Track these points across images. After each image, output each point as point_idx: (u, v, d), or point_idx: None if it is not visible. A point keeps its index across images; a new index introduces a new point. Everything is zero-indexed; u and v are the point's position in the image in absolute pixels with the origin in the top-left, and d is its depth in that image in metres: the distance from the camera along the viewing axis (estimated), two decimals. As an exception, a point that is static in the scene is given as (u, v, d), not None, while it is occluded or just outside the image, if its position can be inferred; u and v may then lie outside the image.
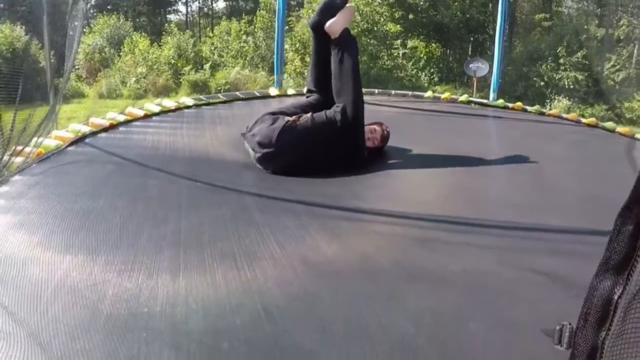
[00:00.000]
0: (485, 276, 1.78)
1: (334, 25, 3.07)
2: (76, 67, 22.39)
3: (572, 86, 20.08)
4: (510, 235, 2.19)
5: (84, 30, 25.08)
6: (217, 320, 1.44)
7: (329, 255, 1.87)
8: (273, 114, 3.05)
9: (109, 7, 31.41)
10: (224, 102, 4.81)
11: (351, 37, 3.18)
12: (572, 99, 19.77)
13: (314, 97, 3.31)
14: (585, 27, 22.38)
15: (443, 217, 2.33)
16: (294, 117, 2.98)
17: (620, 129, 4.48)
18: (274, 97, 5.09)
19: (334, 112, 2.99)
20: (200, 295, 1.56)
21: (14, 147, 2.84)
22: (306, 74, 19.68)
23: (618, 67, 21.18)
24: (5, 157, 2.75)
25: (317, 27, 3.16)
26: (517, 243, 2.11)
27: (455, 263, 1.86)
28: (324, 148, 2.93)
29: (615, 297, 1.05)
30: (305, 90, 5.33)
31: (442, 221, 2.29)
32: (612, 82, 21.02)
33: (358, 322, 1.47)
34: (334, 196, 2.55)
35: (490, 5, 21.67)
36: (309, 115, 3.00)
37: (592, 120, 4.83)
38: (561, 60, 20.33)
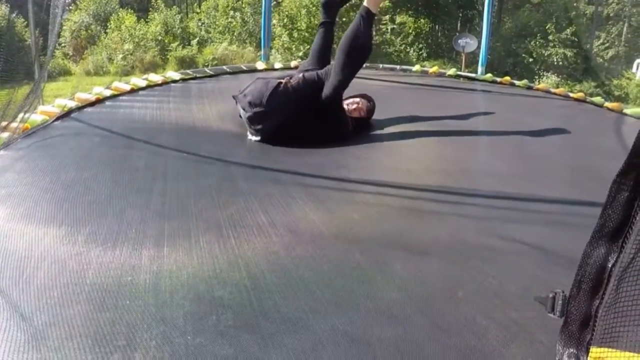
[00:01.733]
0: (472, 245, 1.77)
1: None
2: (62, 44, 22.13)
3: (560, 63, 20.03)
4: (498, 205, 2.19)
5: (70, 7, 24.76)
6: (202, 289, 1.44)
7: (315, 223, 1.86)
8: (265, 78, 3.08)
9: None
10: (211, 76, 4.78)
11: (372, 16, 3.19)
12: (560, 76, 19.73)
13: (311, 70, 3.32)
14: (575, 4, 22.28)
15: (429, 187, 2.33)
16: (286, 78, 3.01)
17: (608, 104, 4.48)
18: (260, 70, 5.05)
19: (327, 69, 3.04)
20: (185, 264, 1.56)
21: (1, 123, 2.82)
22: (293, 49, 19.61)
23: (607, 44, 21.16)
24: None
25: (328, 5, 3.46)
26: (505, 213, 2.12)
27: (442, 231, 1.86)
28: (313, 108, 2.94)
29: (609, 265, 1.04)
30: (292, 64, 5.32)
31: (428, 190, 2.30)
32: (601, 60, 21.01)
33: (344, 290, 1.47)
34: (320, 166, 2.54)
35: (480, -20, 21.52)
36: (300, 75, 3.02)
37: (580, 94, 4.82)
38: (550, 37, 20.23)
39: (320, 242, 1.73)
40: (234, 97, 3.09)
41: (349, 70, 3.04)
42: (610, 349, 1.04)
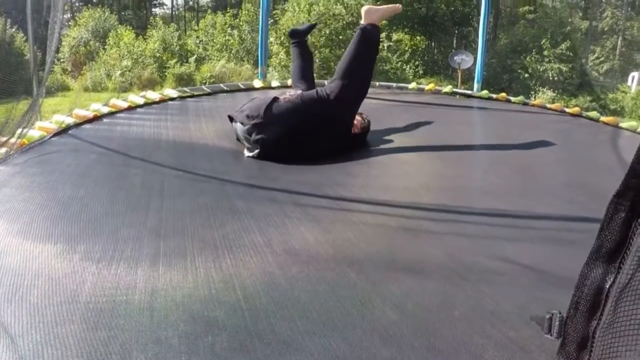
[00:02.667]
0: (468, 263, 1.77)
1: (372, 11, 3.26)
2: (61, 60, 22.20)
3: (556, 78, 20.15)
4: (494, 222, 2.19)
5: (69, 23, 24.89)
6: (197, 309, 1.43)
7: (311, 243, 1.86)
8: (261, 97, 3.18)
9: (94, 0, 31.16)
10: (208, 94, 4.79)
11: (377, 30, 3.30)
12: (556, 91, 19.83)
13: (302, 88, 3.37)
14: (570, 19, 22.47)
15: (425, 205, 2.33)
16: (282, 95, 3.07)
17: (604, 118, 4.50)
18: (257, 89, 5.07)
19: (329, 89, 3.07)
20: (180, 284, 1.55)
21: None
22: (291, 67, 19.70)
23: (602, 58, 21.29)
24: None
25: (295, 34, 3.75)
26: (501, 230, 2.12)
27: (437, 250, 1.86)
28: (311, 124, 2.97)
29: (607, 286, 1.04)
30: (289, 82, 5.34)
31: (424, 209, 2.30)
32: (596, 74, 21.12)
33: (339, 311, 1.46)
34: (316, 184, 2.54)
35: (475, -2, 21.70)
36: (298, 92, 3.07)
37: (576, 109, 4.83)
38: (545, 52, 20.37)
39: (315, 263, 1.73)
40: (229, 116, 3.12)
41: (363, 69, 3.17)
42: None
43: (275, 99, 3.02)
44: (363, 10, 3.26)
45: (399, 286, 1.60)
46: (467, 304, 1.51)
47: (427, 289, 1.60)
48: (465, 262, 1.78)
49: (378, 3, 20.56)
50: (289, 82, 5.45)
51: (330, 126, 3.01)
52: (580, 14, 23.29)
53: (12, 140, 2.91)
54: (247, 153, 2.96)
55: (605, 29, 22.00)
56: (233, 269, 1.64)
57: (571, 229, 2.11)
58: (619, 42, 21.72)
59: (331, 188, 2.49)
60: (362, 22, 3.24)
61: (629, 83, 19.14)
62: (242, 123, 2.99)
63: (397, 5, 3.47)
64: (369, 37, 3.21)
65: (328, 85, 3.14)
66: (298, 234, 1.93)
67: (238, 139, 3.14)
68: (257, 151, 2.90)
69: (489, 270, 1.73)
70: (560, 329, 1.15)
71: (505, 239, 2.02)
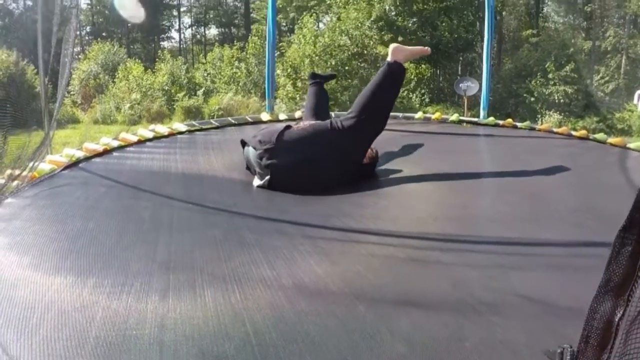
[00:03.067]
0: (477, 294, 1.75)
1: (400, 49, 3.30)
2: (71, 93, 22.45)
3: (562, 100, 20.17)
4: (503, 251, 2.17)
5: (79, 56, 25.21)
6: (206, 344, 1.42)
7: (320, 277, 1.86)
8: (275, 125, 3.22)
9: (103, 34, 31.64)
10: (216, 127, 4.84)
11: (402, 69, 3.31)
12: (563, 113, 19.84)
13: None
14: (573, 40, 22.58)
15: (434, 235, 2.33)
16: (295, 124, 3.13)
17: (611, 139, 4.49)
18: (265, 122, 5.11)
19: (345, 122, 3.09)
20: (189, 318, 1.55)
21: (9, 171, 2.85)
22: (297, 98, 19.83)
23: (607, 78, 21.34)
24: (1, 181, 2.75)
25: (315, 76, 3.87)
26: (510, 259, 2.09)
27: (446, 281, 1.85)
28: (322, 153, 2.99)
29: (616, 320, 1.04)
30: (296, 114, 5.39)
31: (433, 239, 2.29)
32: (602, 94, 21.15)
33: (349, 345, 1.45)
34: (325, 215, 2.54)
35: (478, 24, 21.86)
36: (312, 122, 3.12)
37: (583, 132, 4.82)
38: (550, 75, 20.43)
39: (324, 296, 1.72)
40: (242, 140, 3.15)
41: (382, 107, 3.21)
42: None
43: (288, 127, 3.06)
44: (391, 47, 3.30)
45: (408, 318, 1.59)
46: (477, 335, 1.49)
47: (436, 321, 1.59)
48: (474, 292, 1.76)
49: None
50: (297, 114, 5.50)
51: (341, 158, 3.03)
52: (583, 35, 23.43)
53: (24, 173, 2.94)
54: (256, 182, 2.98)
55: (609, 49, 22.09)
56: (242, 303, 1.64)
57: (580, 255, 2.09)
58: (623, 61, 21.79)
59: (340, 219, 2.49)
60: (388, 58, 3.27)
61: (635, 101, 19.13)
62: (254, 147, 3.02)
63: (426, 47, 3.54)
64: (393, 75, 3.25)
65: (344, 117, 3.16)
66: (307, 267, 1.93)
67: (248, 168, 3.16)
68: (267, 178, 2.91)
69: (499, 300, 1.71)
70: (572, 363, 1.14)
71: (514, 267, 2.00)
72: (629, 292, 1.02)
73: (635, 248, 1.01)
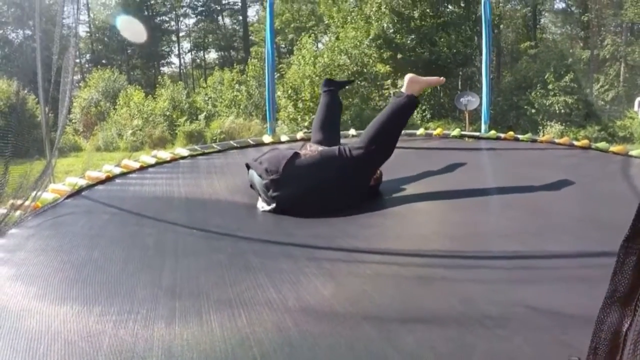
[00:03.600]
0: (484, 309, 1.74)
1: (415, 80, 3.26)
2: (73, 121, 22.57)
3: (563, 110, 20.23)
4: (508, 265, 2.16)
5: (79, 84, 25.39)
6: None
7: (326, 298, 1.85)
8: (280, 149, 3.20)
9: (103, 61, 31.86)
10: (219, 151, 4.86)
11: (414, 102, 3.27)
12: (564, 123, 19.89)
13: (320, 138, 3.38)
14: (571, 50, 22.68)
15: (439, 253, 2.32)
16: (302, 150, 3.07)
17: (613, 148, 4.50)
18: (267, 144, 5.14)
19: (354, 151, 3.05)
20: (196, 343, 1.54)
21: (11, 201, 2.86)
22: (299, 119, 19.87)
23: (607, 86, 21.39)
24: (3, 211, 2.76)
25: (329, 83, 3.76)
26: (515, 273, 2.09)
27: (452, 298, 1.84)
28: (329, 183, 2.97)
29: (624, 330, 1.03)
30: (298, 136, 5.41)
31: (437, 256, 2.29)
32: (602, 102, 21.19)
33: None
34: (330, 237, 2.54)
35: (476, 38, 21.98)
36: (320, 148, 3.08)
37: (584, 142, 4.84)
38: (550, 86, 20.52)
39: (331, 317, 1.72)
40: (247, 164, 3.13)
41: (392, 137, 3.17)
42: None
43: (296, 155, 3.01)
44: (407, 78, 3.28)
45: (414, 336, 1.59)
46: (485, 349, 1.49)
47: (443, 337, 1.58)
48: (480, 307, 1.75)
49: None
50: (298, 135, 5.53)
51: (348, 185, 3.02)
52: (581, 44, 23.54)
53: (27, 203, 2.95)
54: (260, 204, 2.97)
55: (607, 57, 22.17)
56: (249, 327, 1.64)
57: (586, 266, 2.08)
58: (622, 69, 21.86)
59: (345, 240, 2.49)
60: (403, 89, 3.26)
61: (636, 108, 19.17)
62: (260, 176, 2.99)
63: (441, 78, 3.54)
64: (406, 108, 3.24)
65: (354, 146, 3.11)
66: (313, 289, 1.92)
67: (252, 187, 3.16)
68: (273, 206, 2.91)
69: (505, 313, 1.70)
70: (581, 375, 1.14)
71: (519, 281, 1.99)
72: (635, 302, 1.02)
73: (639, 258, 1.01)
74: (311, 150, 3.11)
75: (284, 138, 5.42)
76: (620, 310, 1.04)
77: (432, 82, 3.48)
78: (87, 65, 33.52)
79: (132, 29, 27.73)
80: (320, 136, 3.52)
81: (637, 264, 1.01)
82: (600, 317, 1.07)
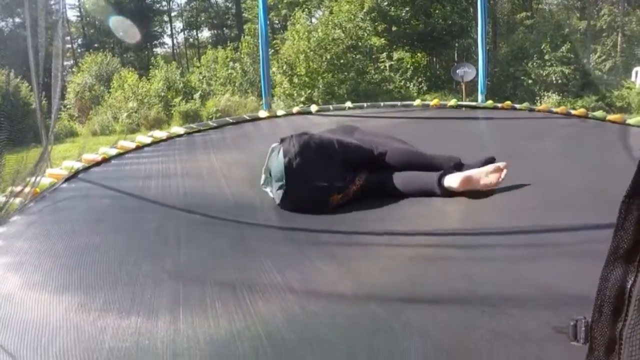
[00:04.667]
0: (489, 285, 1.74)
1: (469, 182, 2.63)
2: (67, 106, 22.45)
3: (560, 81, 20.17)
4: (512, 241, 2.16)
5: (72, 69, 25.22)
6: (219, 350, 1.43)
7: (329, 278, 1.86)
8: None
9: (95, 45, 31.59)
10: (215, 128, 4.84)
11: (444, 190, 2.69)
12: (561, 94, 19.83)
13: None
14: (567, 21, 22.52)
15: (441, 231, 2.31)
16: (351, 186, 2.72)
17: (610, 116, 4.48)
18: (263, 118, 5.12)
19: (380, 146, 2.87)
20: (201, 325, 1.55)
21: (10, 189, 2.85)
22: (295, 95, 19.72)
23: (604, 57, 21.27)
24: (3, 199, 2.75)
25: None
26: (520, 249, 2.07)
27: (456, 275, 1.83)
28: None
29: (628, 286, 1.02)
30: (294, 110, 5.39)
31: (440, 234, 2.28)
32: (599, 73, 21.09)
33: (361, 341, 1.45)
34: (331, 220, 2.51)
35: (471, 9, 21.82)
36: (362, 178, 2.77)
37: (582, 111, 4.83)
38: (546, 57, 20.43)
39: (335, 297, 1.72)
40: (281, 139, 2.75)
41: (408, 183, 2.77)
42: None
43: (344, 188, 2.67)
44: (462, 177, 2.63)
45: (420, 313, 1.59)
46: (490, 325, 1.49)
47: (448, 314, 1.59)
48: (485, 284, 1.76)
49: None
50: (294, 109, 5.51)
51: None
52: (578, 15, 23.33)
53: (26, 189, 2.94)
54: (265, 187, 2.81)
55: (604, 27, 22.02)
56: (253, 308, 1.64)
57: (589, 239, 2.05)
58: (619, 39, 21.72)
59: (347, 223, 2.47)
60: (451, 183, 2.66)
61: (633, 78, 19.09)
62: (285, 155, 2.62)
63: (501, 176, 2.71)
64: (426, 192, 2.72)
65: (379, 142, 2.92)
66: (316, 270, 1.92)
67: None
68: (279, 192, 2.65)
69: (510, 290, 1.71)
70: (587, 334, 1.13)
71: (523, 256, 1.98)
72: (639, 258, 1.01)
73: (641, 214, 1.00)
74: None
75: (280, 112, 5.41)
76: (624, 267, 1.03)
77: (491, 185, 2.65)
78: (79, 50, 33.27)
79: (125, 30, 27.58)
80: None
81: (638, 219, 1.00)
82: (604, 274, 1.06)
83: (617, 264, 1.04)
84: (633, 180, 0.99)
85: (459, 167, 2.82)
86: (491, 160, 2.78)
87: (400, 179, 2.76)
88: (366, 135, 3.03)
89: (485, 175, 2.62)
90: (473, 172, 2.64)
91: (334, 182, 2.64)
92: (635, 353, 1.02)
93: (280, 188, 2.63)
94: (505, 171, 2.62)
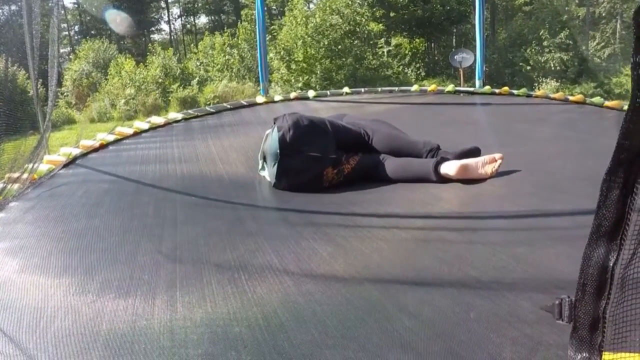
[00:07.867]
0: (483, 268, 1.76)
1: (465, 170, 2.68)
2: (65, 94, 22.39)
3: (558, 67, 20.12)
4: (507, 225, 2.18)
5: (69, 57, 25.12)
6: (216, 329, 1.44)
7: (325, 259, 1.87)
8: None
9: (92, 32, 31.47)
10: (212, 113, 4.84)
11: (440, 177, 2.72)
12: (559, 80, 19.79)
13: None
14: (566, 7, 22.43)
15: (438, 214, 2.33)
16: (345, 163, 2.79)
17: (608, 102, 4.48)
18: (261, 104, 5.12)
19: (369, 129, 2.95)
20: (198, 306, 1.57)
21: (8, 175, 2.86)
22: (292, 80, 19.65)
23: (603, 44, 21.22)
24: (1, 185, 2.77)
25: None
26: (515, 233, 2.09)
27: (451, 257, 1.85)
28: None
29: (611, 264, 1.04)
30: (291, 95, 5.39)
31: (437, 217, 2.30)
32: (598, 60, 21.04)
33: (356, 321, 1.46)
34: (328, 202, 2.54)
35: (470, -6, 21.75)
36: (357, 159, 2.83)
37: (579, 97, 4.83)
38: (545, 43, 20.39)
39: (330, 277, 1.74)
40: (275, 119, 2.82)
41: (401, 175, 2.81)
42: (623, 353, 1.04)
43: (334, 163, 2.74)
44: (458, 165, 2.67)
45: (414, 294, 1.61)
46: (483, 306, 1.50)
47: (442, 295, 1.60)
48: (479, 266, 1.77)
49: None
50: (292, 95, 5.51)
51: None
52: (577, 1, 23.24)
53: (24, 176, 2.95)
54: (261, 169, 2.88)
55: (603, 14, 21.93)
56: (249, 287, 1.66)
57: (584, 224, 2.01)
58: (618, 26, 21.64)
59: (343, 205, 2.49)
60: (447, 170, 2.68)
61: (632, 65, 19.03)
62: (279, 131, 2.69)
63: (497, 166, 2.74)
64: (422, 178, 2.75)
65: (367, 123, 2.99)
66: (312, 251, 1.94)
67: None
68: (274, 168, 2.70)
69: (504, 272, 1.72)
70: (571, 312, 1.14)
71: (518, 240, 2.00)
72: (620, 236, 1.03)
73: (623, 191, 1.01)
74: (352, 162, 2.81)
75: (277, 98, 5.40)
76: (606, 245, 1.05)
77: (486, 176, 2.70)
78: (76, 37, 33.14)
79: (120, 22, 27.45)
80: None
81: (619, 197, 1.01)
82: (586, 252, 1.07)
83: (600, 242, 1.05)
84: (613, 158, 1.00)
85: (435, 151, 2.88)
86: (474, 151, 2.83)
87: (396, 163, 2.80)
88: (355, 119, 3.09)
89: (481, 166, 2.67)
90: (470, 161, 2.68)
91: (327, 153, 2.70)
92: (619, 331, 1.03)
93: (275, 165, 2.67)
94: (500, 162, 2.69)
